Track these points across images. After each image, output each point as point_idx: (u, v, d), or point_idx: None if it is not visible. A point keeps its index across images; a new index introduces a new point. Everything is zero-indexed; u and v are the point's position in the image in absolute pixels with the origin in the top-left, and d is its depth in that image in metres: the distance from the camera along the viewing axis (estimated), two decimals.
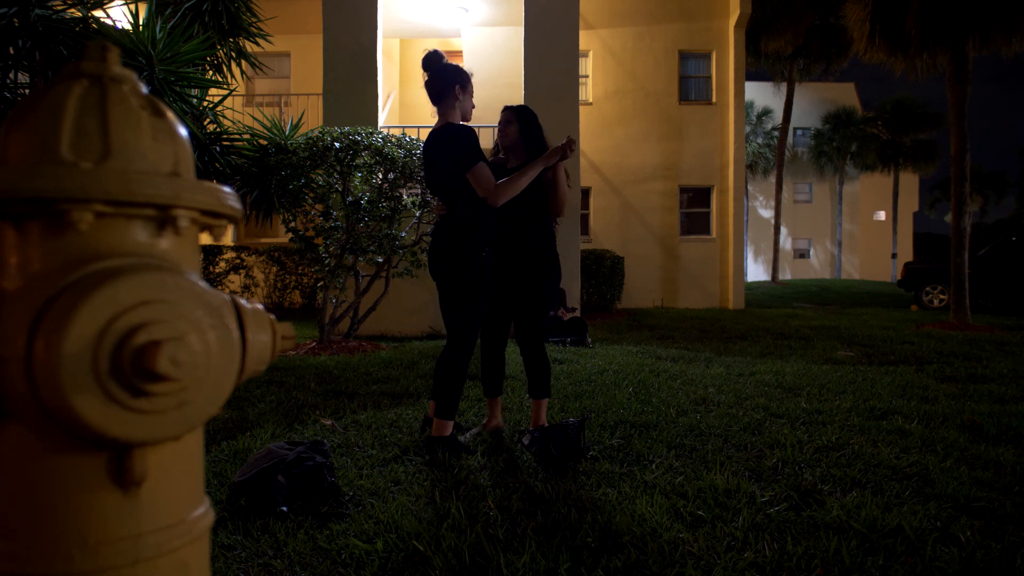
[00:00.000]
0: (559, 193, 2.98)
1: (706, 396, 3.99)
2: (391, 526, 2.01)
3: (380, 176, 6.28)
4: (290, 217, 6.02)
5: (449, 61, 2.97)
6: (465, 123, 2.93)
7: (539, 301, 3.01)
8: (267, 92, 13.56)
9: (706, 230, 13.67)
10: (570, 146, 2.84)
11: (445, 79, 2.87)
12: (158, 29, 3.75)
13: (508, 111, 3.09)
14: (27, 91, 3.82)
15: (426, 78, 2.94)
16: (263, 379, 4.44)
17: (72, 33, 3.60)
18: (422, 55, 3.11)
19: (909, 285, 13.32)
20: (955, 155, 9.43)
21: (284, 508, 2.11)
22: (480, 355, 3.25)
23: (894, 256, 30.27)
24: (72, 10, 3.75)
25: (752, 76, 30.99)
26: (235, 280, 10.97)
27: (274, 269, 11.15)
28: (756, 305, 14.33)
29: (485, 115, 8.94)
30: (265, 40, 5.34)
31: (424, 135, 10.50)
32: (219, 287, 9.13)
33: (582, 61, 13.24)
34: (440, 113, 2.91)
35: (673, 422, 3.34)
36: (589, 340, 6.80)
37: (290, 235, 6.19)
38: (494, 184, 2.76)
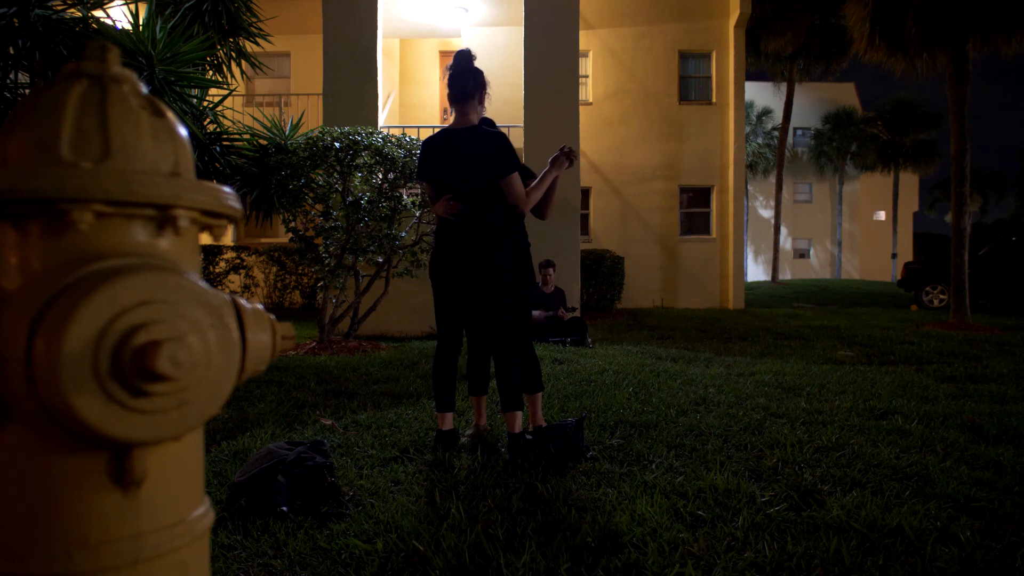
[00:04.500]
0: (554, 198, 3.13)
1: (706, 396, 3.99)
2: (391, 526, 2.01)
3: (380, 176, 6.28)
4: (290, 217, 6.02)
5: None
6: None
7: (526, 296, 3.14)
8: (267, 92, 13.56)
9: (706, 230, 13.67)
10: (572, 154, 2.97)
11: (478, 81, 2.90)
12: (158, 29, 3.75)
13: None
14: (27, 91, 3.82)
15: (451, 73, 2.91)
16: (263, 379, 4.44)
17: (72, 33, 3.60)
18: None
19: (909, 285, 13.33)
20: (955, 155, 9.43)
21: (284, 508, 2.11)
22: (468, 354, 3.25)
23: (894, 256, 30.27)
24: (72, 10, 3.75)
25: (752, 76, 31.02)
26: (235, 280, 10.96)
27: (274, 269, 11.15)
28: (756, 305, 14.33)
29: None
30: (265, 40, 5.35)
31: (424, 135, 10.51)
32: (219, 287, 9.12)
33: (582, 61, 13.23)
34: (463, 113, 2.90)
35: (673, 422, 3.34)
36: (589, 340, 6.80)
37: (290, 235, 6.19)
38: (524, 192, 2.87)
